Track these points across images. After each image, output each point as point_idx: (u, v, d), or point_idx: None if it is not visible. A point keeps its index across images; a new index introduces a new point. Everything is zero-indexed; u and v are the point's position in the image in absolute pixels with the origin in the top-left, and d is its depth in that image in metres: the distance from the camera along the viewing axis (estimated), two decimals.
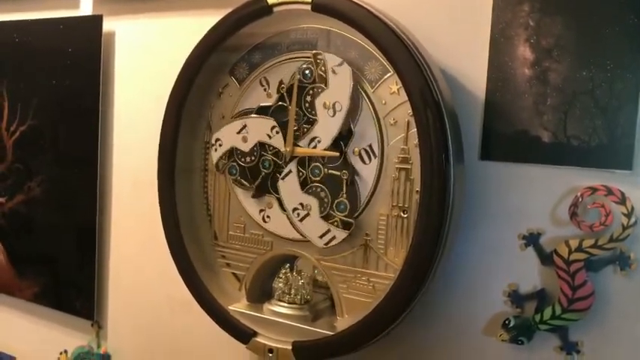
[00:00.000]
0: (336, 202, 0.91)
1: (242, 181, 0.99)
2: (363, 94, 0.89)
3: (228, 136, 1.00)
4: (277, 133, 0.95)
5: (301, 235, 0.94)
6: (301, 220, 0.93)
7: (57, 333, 1.44)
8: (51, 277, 1.41)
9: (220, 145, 1.00)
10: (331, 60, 0.90)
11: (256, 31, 0.97)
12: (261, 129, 0.97)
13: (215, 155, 1.01)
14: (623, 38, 0.81)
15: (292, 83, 0.93)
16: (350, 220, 0.90)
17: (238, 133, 0.99)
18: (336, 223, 0.91)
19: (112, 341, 1.36)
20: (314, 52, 0.92)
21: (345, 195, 0.90)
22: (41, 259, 1.43)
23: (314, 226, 0.92)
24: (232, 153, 1.00)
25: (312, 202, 0.92)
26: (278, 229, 0.97)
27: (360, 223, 0.90)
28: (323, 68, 0.91)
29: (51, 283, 1.41)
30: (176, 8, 1.22)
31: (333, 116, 0.90)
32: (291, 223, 0.95)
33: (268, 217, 0.98)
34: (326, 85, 0.90)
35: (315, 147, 0.91)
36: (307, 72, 0.92)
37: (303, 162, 0.94)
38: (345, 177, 0.90)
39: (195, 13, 1.19)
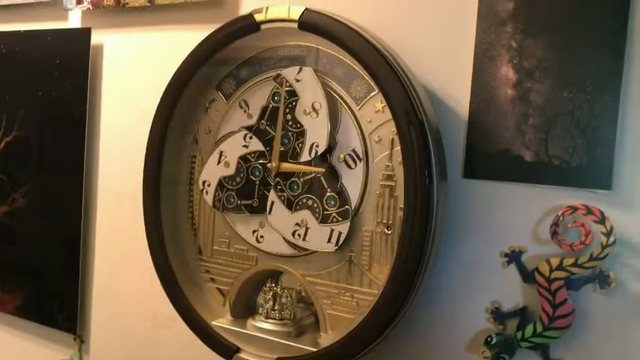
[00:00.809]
0: (324, 201, 0.91)
1: (243, 204, 0.98)
2: (349, 111, 0.90)
3: (211, 173, 1.00)
4: (251, 138, 0.97)
5: (308, 249, 0.93)
6: (304, 238, 0.92)
7: (39, 347, 1.42)
8: (33, 290, 1.40)
9: (209, 185, 1.01)
10: (290, 73, 0.92)
11: (244, 47, 0.98)
12: (235, 145, 0.98)
13: (209, 198, 1.01)
14: (603, 61, 0.83)
15: (267, 106, 0.96)
16: (345, 207, 0.90)
17: (219, 163, 0.99)
18: (335, 220, 0.90)
19: (95, 355, 1.34)
20: (274, 75, 0.94)
21: (329, 190, 0.91)
22: (24, 271, 1.41)
23: (318, 236, 0.91)
24: (222, 185, 1.00)
25: (306, 215, 0.92)
26: (272, 247, 0.96)
27: (345, 239, 0.90)
28: (287, 83, 0.92)
29: (33, 296, 1.40)
30: (164, 22, 1.22)
31: (317, 117, 0.91)
32: (287, 241, 0.95)
33: (262, 236, 0.97)
34: (296, 95, 0.92)
35: (316, 153, 0.91)
36: (276, 97, 0.94)
37: (282, 182, 0.95)
38: (319, 174, 0.91)
39: (183, 27, 1.19)
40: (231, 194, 0.99)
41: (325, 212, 0.91)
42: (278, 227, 0.95)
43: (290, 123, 0.93)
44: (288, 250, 0.95)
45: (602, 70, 0.83)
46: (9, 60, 1.41)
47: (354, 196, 0.90)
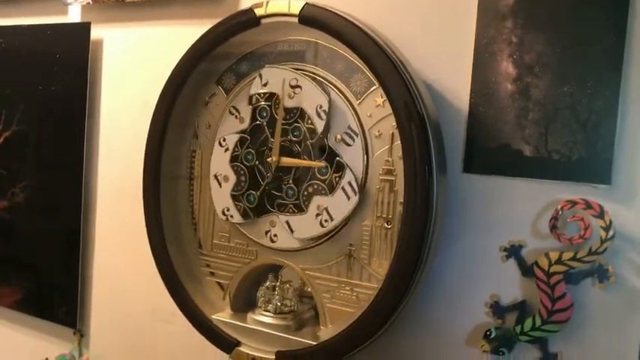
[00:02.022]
0: (329, 181, 0.91)
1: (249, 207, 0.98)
2: (349, 105, 0.90)
3: (224, 196, 0.99)
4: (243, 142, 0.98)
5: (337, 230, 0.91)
6: (332, 217, 0.90)
7: (39, 341, 1.43)
8: (33, 285, 1.40)
9: (228, 210, 0.99)
10: (255, 87, 0.96)
11: (244, 42, 0.98)
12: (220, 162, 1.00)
13: (237, 218, 0.99)
14: (602, 56, 0.83)
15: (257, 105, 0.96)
16: (340, 171, 0.90)
17: (222, 184, 1.00)
18: (338, 179, 0.90)
19: (95, 350, 1.35)
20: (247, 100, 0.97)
21: (327, 166, 0.91)
22: (24, 266, 1.41)
23: (338, 203, 0.90)
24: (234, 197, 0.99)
25: (320, 200, 0.91)
26: (287, 243, 0.95)
27: (345, 233, 0.91)
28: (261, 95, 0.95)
29: (33, 291, 1.40)
30: (164, 17, 1.22)
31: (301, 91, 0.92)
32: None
33: (275, 235, 0.96)
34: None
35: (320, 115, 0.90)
36: (264, 112, 0.96)
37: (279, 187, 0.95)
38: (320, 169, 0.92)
39: (183, 22, 1.19)
40: (251, 194, 0.98)
41: (329, 183, 0.91)
42: (307, 232, 0.93)
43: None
44: (300, 244, 0.94)
45: (603, 64, 0.83)
46: (8, 54, 1.41)
47: (356, 165, 0.89)
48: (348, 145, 0.90)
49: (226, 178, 0.99)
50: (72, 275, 1.33)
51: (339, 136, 0.90)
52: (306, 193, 0.93)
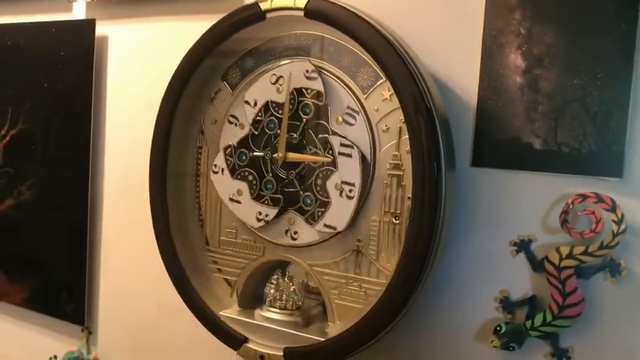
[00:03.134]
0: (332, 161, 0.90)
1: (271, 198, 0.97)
2: (356, 100, 0.89)
3: (250, 208, 0.98)
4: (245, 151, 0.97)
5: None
6: (352, 183, 0.89)
7: (47, 338, 1.43)
8: (41, 282, 1.40)
9: (267, 216, 0.97)
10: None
11: (249, 37, 0.97)
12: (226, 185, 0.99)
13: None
14: (613, 46, 0.82)
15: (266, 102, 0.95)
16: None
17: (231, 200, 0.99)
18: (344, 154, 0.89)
19: (102, 347, 1.35)
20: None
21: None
22: (31, 263, 1.42)
23: (352, 172, 0.89)
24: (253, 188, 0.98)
25: (333, 179, 0.90)
26: (307, 237, 0.94)
27: (353, 229, 0.90)
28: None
29: (41, 288, 1.40)
30: (169, 13, 1.22)
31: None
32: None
33: (296, 232, 0.95)
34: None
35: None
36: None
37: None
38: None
39: (188, 18, 1.19)
40: (269, 182, 0.97)
41: (332, 162, 0.90)
42: (334, 213, 0.91)
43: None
44: (319, 236, 0.93)
45: (613, 56, 0.82)
46: (14, 52, 1.41)
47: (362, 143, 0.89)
48: (351, 124, 0.89)
49: (240, 192, 0.98)
50: (79, 272, 1.33)
51: (340, 118, 0.90)
52: (319, 183, 0.92)
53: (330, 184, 0.90)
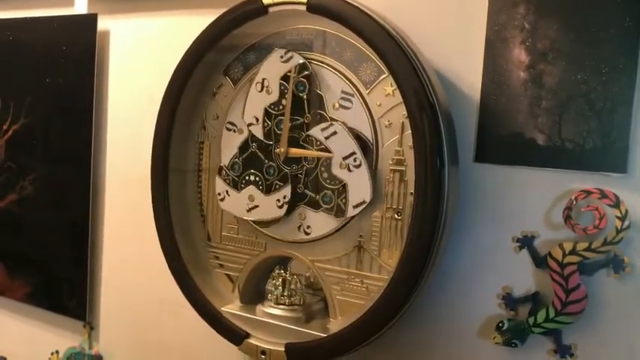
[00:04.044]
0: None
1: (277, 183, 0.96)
2: (358, 95, 0.89)
3: (268, 205, 0.97)
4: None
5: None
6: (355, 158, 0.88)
7: (48, 334, 1.43)
8: (43, 278, 1.40)
9: (286, 200, 0.96)
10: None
11: (251, 32, 0.96)
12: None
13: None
14: (617, 41, 0.81)
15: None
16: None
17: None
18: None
19: (104, 342, 1.35)
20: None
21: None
22: (33, 259, 1.42)
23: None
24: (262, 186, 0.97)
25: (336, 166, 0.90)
26: (320, 229, 0.93)
27: (355, 224, 0.90)
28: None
29: (43, 284, 1.40)
30: (171, 7, 1.21)
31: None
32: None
33: (309, 227, 0.94)
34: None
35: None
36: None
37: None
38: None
39: (190, 12, 1.18)
40: (270, 167, 0.97)
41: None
42: (354, 191, 0.89)
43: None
44: (336, 223, 0.91)
45: (617, 51, 0.81)
46: (15, 47, 1.41)
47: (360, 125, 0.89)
48: (347, 108, 0.89)
49: (252, 197, 0.97)
50: (81, 268, 1.33)
51: (337, 104, 0.90)
52: (325, 175, 0.91)
53: (335, 169, 0.90)
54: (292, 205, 0.94)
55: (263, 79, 0.94)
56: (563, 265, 0.82)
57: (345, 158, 0.88)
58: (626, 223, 0.79)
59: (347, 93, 0.89)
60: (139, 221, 1.23)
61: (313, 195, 0.93)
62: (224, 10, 0.96)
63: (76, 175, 1.33)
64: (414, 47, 0.85)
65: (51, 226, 1.37)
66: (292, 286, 0.96)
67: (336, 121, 0.90)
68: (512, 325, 0.86)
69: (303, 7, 0.88)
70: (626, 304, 0.82)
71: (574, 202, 0.82)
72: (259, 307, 0.97)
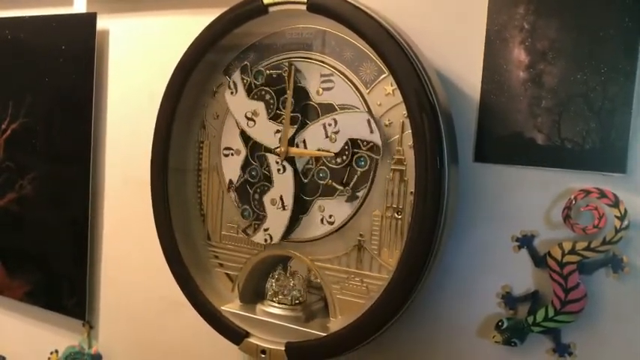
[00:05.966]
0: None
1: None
2: (358, 94, 0.89)
3: (277, 219, 0.96)
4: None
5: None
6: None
7: (47, 333, 1.43)
8: (42, 277, 1.40)
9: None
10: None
11: (251, 31, 0.96)
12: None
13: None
14: (617, 41, 0.81)
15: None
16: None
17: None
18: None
19: (104, 341, 1.35)
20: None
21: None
22: (32, 258, 1.42)
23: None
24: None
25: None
26: (340, 216, 0.91)
27: (355, 223, 0.90)
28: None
29: (42, 283, 1.40)
30: (171, 7, 1.21)
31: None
32: None
33: (331, 216, 0.92)
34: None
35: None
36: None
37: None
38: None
39: (190, 11, 1.18)
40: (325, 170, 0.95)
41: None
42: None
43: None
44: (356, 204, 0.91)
45: (617, 51, 0.81)
46: (14, 46, 1.40)
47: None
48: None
49: (274, 201, 0.96)
50: (80, 267, 1.33)
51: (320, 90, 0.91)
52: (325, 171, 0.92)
53: (341, 139, 0.89)
54: (307, 202, 0.94)
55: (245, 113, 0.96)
56: (563, 265, 0.83)
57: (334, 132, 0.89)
58: (625, 222, 0.79)
59: (325, 75, 0.90)
60: (139, 220, 1.23)
61: (323, 183, 0.92)
62: (224, 9, 0.96)
63: (75, 174, 1.32)
64: (414, 47, 0.85)
65: (50, 225, 1.37)
66: (292, 286, 0.96)
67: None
68: (511, 324, 0.87)
69: (304, 7, 0.88)
70: (625, 303, 0.83)
71: (573, 202, 0.82)
72: (259, 307, 0.98)
